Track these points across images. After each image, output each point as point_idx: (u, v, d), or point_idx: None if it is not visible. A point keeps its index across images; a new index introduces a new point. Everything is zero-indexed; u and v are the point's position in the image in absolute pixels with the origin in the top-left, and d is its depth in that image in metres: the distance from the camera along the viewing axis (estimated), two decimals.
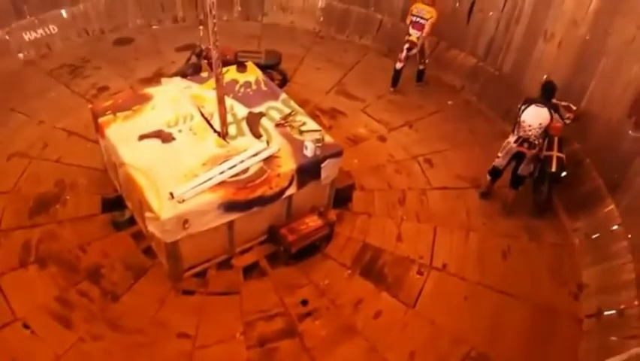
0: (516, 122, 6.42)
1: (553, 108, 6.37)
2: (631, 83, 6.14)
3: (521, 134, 6.33)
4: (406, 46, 8.34)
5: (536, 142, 6.34)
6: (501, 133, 7.92)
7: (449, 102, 8.72)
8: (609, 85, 6.54)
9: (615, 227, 6.04)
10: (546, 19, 7.57)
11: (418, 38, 8.24)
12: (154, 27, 10.26)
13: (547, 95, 6.42)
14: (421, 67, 8.76)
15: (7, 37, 8.79)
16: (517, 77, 8.29)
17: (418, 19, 8.16)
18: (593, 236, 6.25)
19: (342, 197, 6.59)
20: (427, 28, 8.13)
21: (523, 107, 6.30)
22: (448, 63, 9.29)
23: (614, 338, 5.10)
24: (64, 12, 9.47)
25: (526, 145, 6.35)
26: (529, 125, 6.22)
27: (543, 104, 6.24)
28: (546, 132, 6.38)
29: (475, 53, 9.05)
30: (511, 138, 6.47)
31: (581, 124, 6.99)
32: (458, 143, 7.79)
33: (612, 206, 6.21)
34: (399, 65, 8.53)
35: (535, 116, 6.19)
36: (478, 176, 7.14)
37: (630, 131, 6.07)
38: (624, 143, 6.16)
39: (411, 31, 8.28)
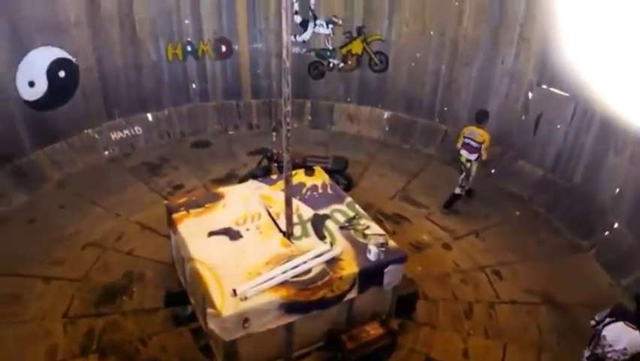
0: (594, 335, 4.92)
1: None
2: None
3: (598, 351, 4.80)
4: (462, 168, 8.27)
5: None
6: (571, 246, 7.70)
7: (517, 213, 8.53)
8: None
9: None
10: (616, 132, 7.49)
11: (467, 161, 8.10)
12: (230, 132, 11.01)
13: None
14: (458, 191, 8.31)
15: (96, 136, 9.66)
16: (588, 189, 8.10)
17: (470, 140, 7.98)
18: None
19: (404, 305, 6.36)
20: (484, 154, 7.92)
21: (607, 320, 4.75)
22: (515, 174, 9.23)
23: None
24: (149, 115, 10.39)
25: None
26: (611, 346, 4.68)
27: (636, 325, 4.59)
28: None
29: (542, 164, 8.97)
30: (586, 353, 5.00)
31: None
32: (527, 255, 7.50)
33: None
34: (457, 190, 8.32)
35: (621, 337, 4.63)
36: (550, 291, 6.79)
37: None
38: None
39: (462, 152, 8.17)
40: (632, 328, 4.57)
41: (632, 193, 7.25)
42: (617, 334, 4.63)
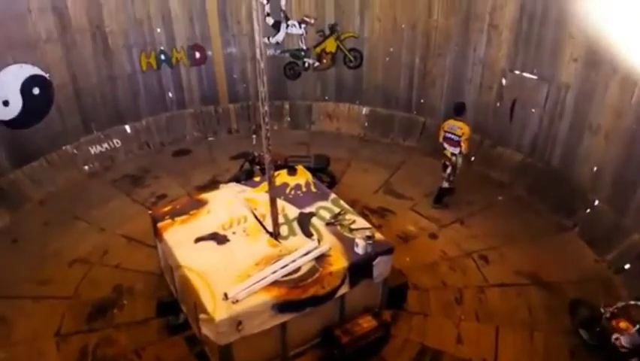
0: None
1: None
2: None
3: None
4: (443, 161, 8.14)
5: None
6: (555, 226, 7.84)
7: (499, 198, 8.65)
8: None
9: None
10: (590, 112, 7.66)
11: (452, 155, 7.98)
12: (210, 138, 11.00)
13: None
14: (446, 185, 8.21)
15: (75, 152, 9.57)
16: (566, 170, 8.25)
17: (450, 135, 7.90)
18: None
19: (396, 297, 6.42)
20: (463, 146, 7.80)
21: None
22: (495, 160, 9.37)
23: None
24: (127, 127, 10.33)
25: None
26: None
27: None
28: None
29: (520, 149, 9.11)
30: None
31: (638, 213, 6.80)
32: (513, 238, 7.61)
33: None
34: (445, 185, 8.23)
35: None
36: (537, 271, 6.91)
37: None
38: None
39: (445, 146, 8.06)
40: None
41: (609, 171, 7.41)
42: None
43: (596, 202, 7.64)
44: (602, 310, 5.39)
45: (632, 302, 5.33)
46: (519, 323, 6.18)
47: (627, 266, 6.74)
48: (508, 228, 7.85)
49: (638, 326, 4.95)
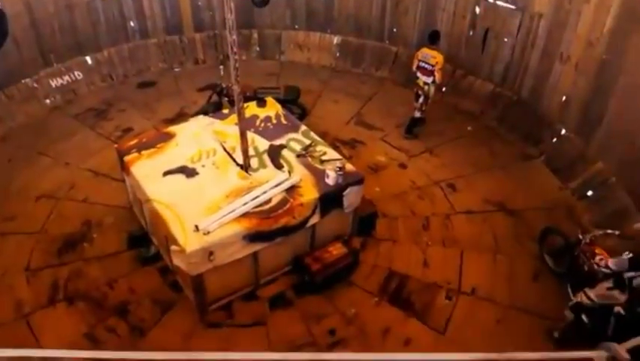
0: None
1: None
2: None
3: None
4: (415, 90, 8.10)
5: None
6: (523, 155, 7.97)
7: (469, 128, 8.72)
8: (630, 102, 6.49)
9: None
10: (561, 42, 7.62)
11: (425, 84, 7.93)
12: (176, 69, 10.59)
13: None
14: (418, 114, 8.21)
15: (35, 85, 9.14)
16: (535, 100, 8.30)
17: (424, 64, 7.84)
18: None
19: (365, 225, 6.55)
20: (437, 76, 7.76)
21: None
22: (466, 90, 9.34)
23: None
24: (88, 58, 9.85)
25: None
26: None
27: None
28: None
29: (491, 79, 9.09)
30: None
31: (603, 142, 6.94)
32: (481, 167, 7.74)
33: None
34: (417, 114, 8.26)
35: None
36: (503, 199, 7.09)
37: None
38: None
39: (418, 74, 8.00)
40: None
41: (577, 100, 7.48)
42: None
43: (563, 131, 7.76)
44: (581, 236, 5.57)
45: (610, 231, 5.48)
46: (484, 247, 6.41)
47: (590, 193, 6.97)
48: (476, 157, 7.97)
49: (630, 254, 4.96)
